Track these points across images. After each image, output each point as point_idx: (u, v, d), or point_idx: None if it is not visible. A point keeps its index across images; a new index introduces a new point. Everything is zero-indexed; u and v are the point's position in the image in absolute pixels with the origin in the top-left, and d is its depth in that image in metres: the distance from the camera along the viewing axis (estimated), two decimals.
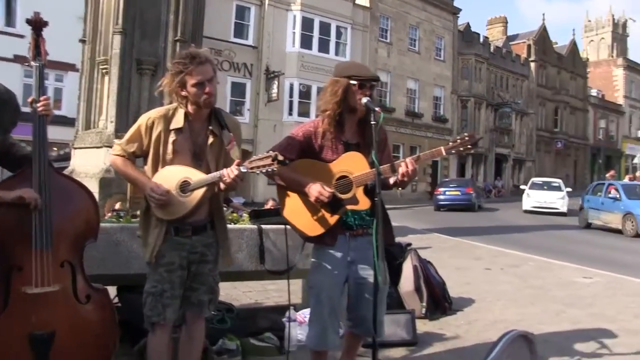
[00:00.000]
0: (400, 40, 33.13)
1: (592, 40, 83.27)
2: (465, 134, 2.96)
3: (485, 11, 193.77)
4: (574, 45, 54.97)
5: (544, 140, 48.12)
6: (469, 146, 2.88)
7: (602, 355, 4.40)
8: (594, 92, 56.86)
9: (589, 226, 18.66)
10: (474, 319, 5.44)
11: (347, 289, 3.17)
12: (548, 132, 48.70)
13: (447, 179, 31.07)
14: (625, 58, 66.21)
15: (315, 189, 2.93)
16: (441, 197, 25.71)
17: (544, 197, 25.18)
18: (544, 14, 62.90)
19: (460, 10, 37.90)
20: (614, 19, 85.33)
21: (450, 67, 36.80)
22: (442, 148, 2.91)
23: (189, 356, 3.04)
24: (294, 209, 3.10)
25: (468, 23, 39.89)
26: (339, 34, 28.28)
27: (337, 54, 27.61)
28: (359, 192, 2.98)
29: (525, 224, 19.47)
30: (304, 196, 3.03)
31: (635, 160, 45.23)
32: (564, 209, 24.50)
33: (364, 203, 2.99)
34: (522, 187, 28.64)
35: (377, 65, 30.79)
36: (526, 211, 24.81)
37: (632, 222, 16.47)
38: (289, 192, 3.10)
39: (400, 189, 3.16)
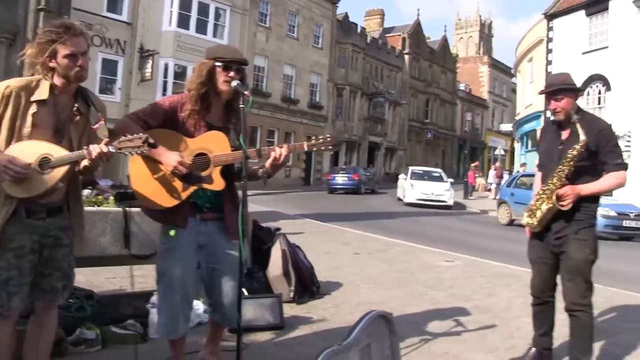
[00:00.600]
0: (279, 26, 33.07)
1: (461, 38, 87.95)
2: (328, 135, 3.02)
3: (363, 2, 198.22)
4: (445, 41, 57.86)
5: (415, 130, 50.28)
6: (329, 147, 2.94)
7: (456, 333, 4.68)
8: (462, 87, 60.21)
9: (512, 223, 16.55)
10: (340, 302, 5.58)
11: (201, 275, 3.12)
12: (419, 122, 50.95)
13: (343, 166, 34.44)
14: (490, 56, 70.70)
15: (174, 159, 2.84)
16: (332, 181, 29.02)
17: (430, 188, 22.66)
18: (418, 10, 65.64)
19: None
20: (481, 20, 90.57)
21: (328, 55, 37.33)
22: (305, 144, 2.95)
23: (35, 348, 2.82)
24: (142, 179, 2.96)
25: (347, 13, 40.69)
26: (217, 16, 27.73)
27: (215, 35, 27.09)
28: (216, 172, 2.94)
29: (395, 210, 20.24)
30: (155, 165, 2.91)
31: (497, 152, 48.41)
32: (450, 202, 22.74)
33: (218, 184, 2.95)
34: (401, 176, 26.33)
35: (255, 49, 30.62)
36: (410, 204, 22.34)
37: None
38: (139, 160, 2.94)
39: (267, 177, 3.12)
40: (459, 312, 5.35)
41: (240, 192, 2.92)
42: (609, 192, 3.75)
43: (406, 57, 48.62)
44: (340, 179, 28.97)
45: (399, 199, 24.62)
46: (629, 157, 22.81)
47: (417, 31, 51.11)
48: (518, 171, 24.78)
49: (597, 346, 4.30)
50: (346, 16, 40.42)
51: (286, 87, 34.18)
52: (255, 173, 3.09)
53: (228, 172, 3.02)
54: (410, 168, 25.62)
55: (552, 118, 3.86)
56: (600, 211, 14.06)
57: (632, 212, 14.95)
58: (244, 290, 4.64)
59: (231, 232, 3.06)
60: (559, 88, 3.72)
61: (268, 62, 32.35)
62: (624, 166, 3.65)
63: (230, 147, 2.95)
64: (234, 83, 2.94)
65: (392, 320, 3.36)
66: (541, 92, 3.89)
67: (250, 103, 2.91)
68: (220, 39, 26.99)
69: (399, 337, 3.63)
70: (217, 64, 3.00)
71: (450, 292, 6.34)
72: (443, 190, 22.66)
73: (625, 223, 14.58)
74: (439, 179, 24.15)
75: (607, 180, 3.63)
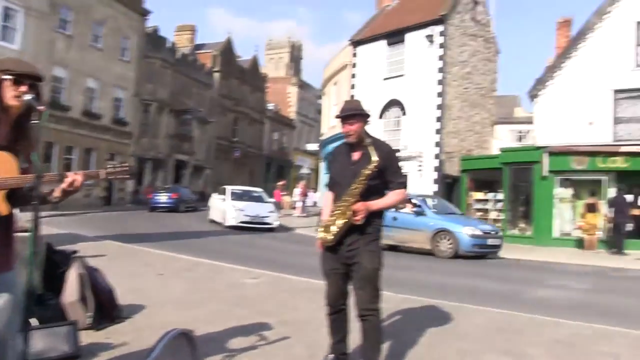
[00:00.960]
0: (82, 35, 31.12)
1: (272, 58, 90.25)
2: (126, 163, 2.96)
3: (175, 17, 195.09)
4: (255, 61, 58.99)
5: (223, 148, 50.38)
6: (126, 175, 2.88)
7: (259, 347, 4.78)
8: (270, 106, 61.65)
9: None
10: (143, 324, 5.40)
11: None
12: (227, 141, 51.14)
13: (167, 185, 35.43)
14: (299, 78, 73.51)
15: None
16: (153, 200, 30.88)
17: (255, 210, 21.24)
18: (230, 28, 65.98)
19: (149, 12, 37.52)
20: (291, 42, 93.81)
21: (135, 69, 36.01)
22: (103, 171, 2.85)
23: None
24: None
25: (157, 26, 39.72)
26: (8, 17, 25.40)
27: (4, 39, 24.84)
28: None
29: (204, 229, 20.10)
30: None
31: (303, 171, 50.21)
32: (276, 224, 21.54)
33: (2, 209, 2.69)
34: (214, 196, 24.79)
35: (54, 58, 28.55)
36: (232, 227, 20.45)
37: (450, 240, 14.83)
38: None
39: (57, 202, 2.91)
40: (262, 327, 5.46)
41: (20, 215, 2.71)
42: (393, 207, 4.23)
43: (216, 74, 48.71)
44: (161, 197, 30.77)
45: (212, 221, 23.13)
46: (420, 176, 25.12)
47: (228, 49, 51.51)
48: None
49: (386, 346, 4.74)
50: (156, 30, 39.47)
51: (88, 101, 32.18)
52: (44, 197, 2.84)
53: (12, 195, 2.76)
54: (229, 188, 23.70)
55: (344, 140, 4.20)
56: (467, 230, 14.74)
57: (493, 231, 15.94)
58: (33, 320, 4.31)
59: None
60: (352, 113, 4.06)
61: (68, 72, 30.24)
62: (405, 185, 4.16)
63: (18, 168, 2.71)
64: (27, 97, 2.69)
65: (193, 338, 3.36)
66: (336, 117, 4.23)
67: (45, 116, 2.73)
68: (11, 44, 24.85)
69: (201, 355, 3.63)
70: (6, 77, 2.72)
71: (254, 309, 6.44)
72: (267, 212, 21.59)
73: (489, 241, 15.40)
74: (261, 199, 23.08)
75: (392, 196, 4.09)
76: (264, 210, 21.63)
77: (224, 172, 49.33)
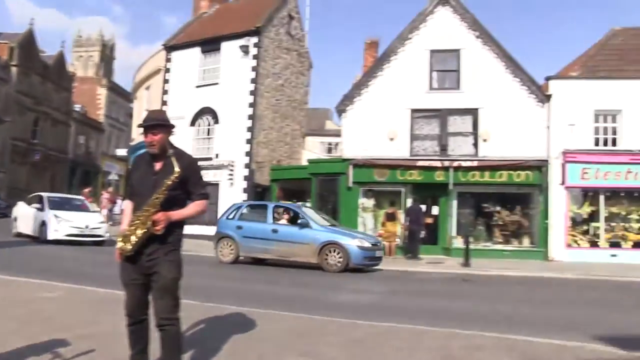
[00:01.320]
0: None
1: (81, 56, 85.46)
2: None
3: None
4: (62, 58, 55.40)
5: (20, 150, 46.60)
6: None
7: None
8: (77, 108, 58.21)
9: (237, 260, 15.68)
10: None
11: None
12: (25, 142, 47.41)
13: None
14: (110, 79, 70.36)
15: None
16: None
17: (83, 220, 18.79)
18: (33, 19, 60.04)
19: None
20: (103, 40, 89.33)
21: None
22: None
23: None
24: None
25: None
26: None
27: None
28: None
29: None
30: None
31: (111, 177, 48.04)
32: (107, 236, 19.24)
33: None
34: (21, 205, 21.02)
35: None
36: (56, 241, 17.85)
37: (340, 254, 14.21)
38: None
39: None
40: (58, 343, 5.11)
41: None
42: (194, 218, 4.27)
43: (14, 69, 44.90)
44: None
45: (21, 235, 19.85)
46: (231, 184, 25.28)
47: (29, 41, 47.68)
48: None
49: (188, 355, 4.79)
50: None
51: None
52: None
53: None
54: (45, 195, 20.52)
55: (146, 150, 4.17)
56: (356, 243, 14.39)
57: (378, 243, 15.93)
58: None
59: None
60: (155, 123, 4.06)
61: None
62: (206, 196, 4.21)
63: None
64: None
65: None
66: (139, 126, 4.19)
67: None
68: None
69: None
70: None
71: (49, 325, 6.02)
72: (98, 223, 19.30)
73: (377, 253, 15.21)
74: (85, 208, 20.49)
75: (192, 207, 4.14)
76: (94, 221, 19.36)
77: (21, 177, 45.53)
